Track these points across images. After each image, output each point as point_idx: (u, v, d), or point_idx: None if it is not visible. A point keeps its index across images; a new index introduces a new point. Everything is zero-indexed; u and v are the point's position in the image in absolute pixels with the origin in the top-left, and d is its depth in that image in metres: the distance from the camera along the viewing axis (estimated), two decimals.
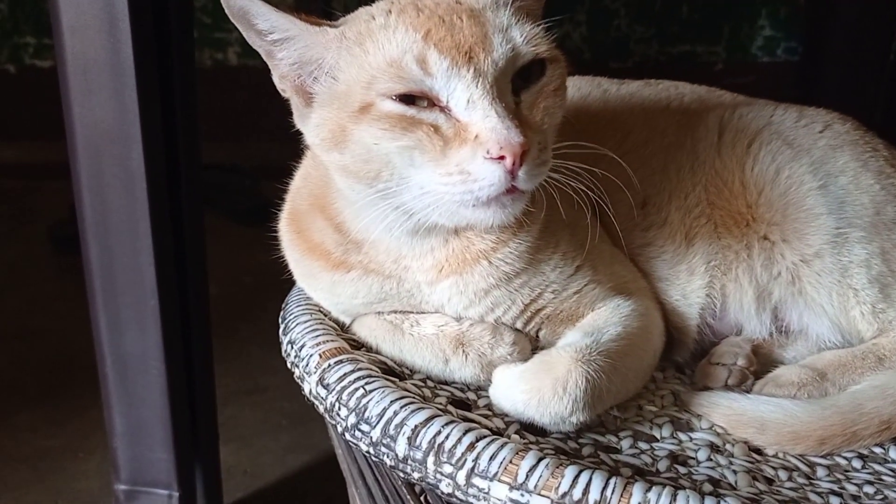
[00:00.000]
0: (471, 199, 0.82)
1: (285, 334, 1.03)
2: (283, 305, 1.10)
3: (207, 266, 1.51)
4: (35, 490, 1.86)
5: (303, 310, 1.05)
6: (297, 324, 1.03)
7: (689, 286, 1.05)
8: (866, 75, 3.38)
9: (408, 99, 0.83)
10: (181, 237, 1.39)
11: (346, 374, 0.92)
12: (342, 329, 1.04)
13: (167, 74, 1.31)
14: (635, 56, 3.97)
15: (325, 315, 1.05)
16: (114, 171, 1.28)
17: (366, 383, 0.90)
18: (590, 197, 0.90)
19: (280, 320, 1.08)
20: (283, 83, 0.91)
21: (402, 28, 0.84)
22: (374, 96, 0.83)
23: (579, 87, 1.19)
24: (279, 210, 1.08)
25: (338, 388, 0.91)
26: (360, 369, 0.92)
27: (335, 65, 0.87)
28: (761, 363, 1.04)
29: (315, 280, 1.01)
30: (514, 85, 0.86)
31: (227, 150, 3.38)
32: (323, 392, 0.92)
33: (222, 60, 3.86)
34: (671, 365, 1.08)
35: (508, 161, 0.80)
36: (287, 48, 0.88)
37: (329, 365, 0.94)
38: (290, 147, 1.04)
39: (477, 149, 0.80)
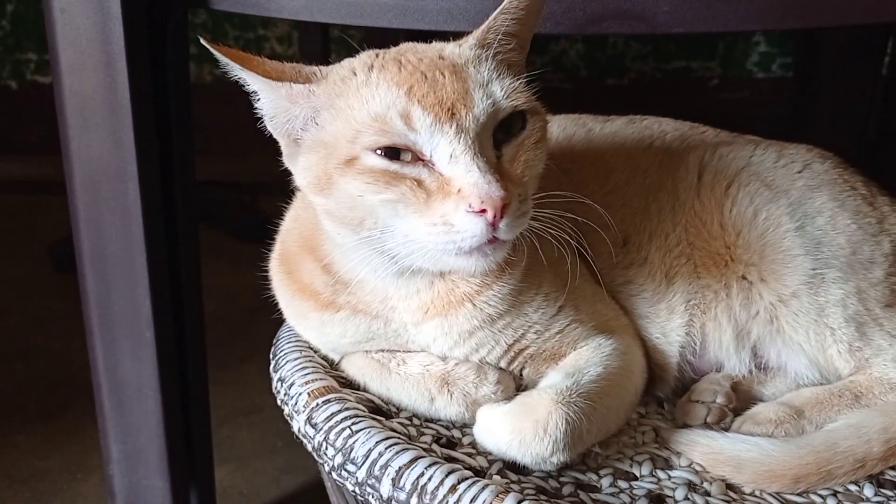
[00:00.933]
0: (454, 249, 0.85)
1: (276, 371, 1.06)
2: (275, 341, 1.13)
3: (203, 285, 1.54)
4: None
5: (293, 347, 1.08)
6: (287, 361, 1.05)
7: (668, 324, 1.08)
8: (859, 91, 3.40)
9: (392, 152, 0.85)
10: (176, 262, 1.42)
11: (333, 414, 0.95)
12: (331, 367, 1.07)
13: (163, 101, 1.34)
14: (631, 73, 3.99)
15: (315, 352, 1.08)
16: (110, 205, 1.30)
17: (352, 423, 0.93)
18: (570, 242, 0.93)
19: (271, 356, 1.10)
20: (269, 126, 0.93)
21: (384, 84, 0.87)
22: (358, 150, 0.85)
23: (564, 128, 1.22)
24: (278, 225, 1.10)
25: (325, 427, 0.93)
26: (347, 409, 0.95)
27: (314, 115, 0.90)
28: (741, 399, 1.06)
29: (305, 319, 1.04)
30: (496, 138, 0.89)
31: (226, 166, 3.39)
32: (311, 431, 0.95)
33: (221, 76, 3.87)
34: (653, 400, 1.11)
35: (490, 214, 0.82)
36: (261, 99, 0.91)
37: (317, 404, 0.97)
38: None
39: (460, 202, 0.83)
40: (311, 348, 1.09)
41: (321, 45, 2.98)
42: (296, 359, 1.05)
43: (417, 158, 0.85)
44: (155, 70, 1.32)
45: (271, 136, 0.94)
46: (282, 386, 1.03)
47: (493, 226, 0.83)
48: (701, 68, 3.97)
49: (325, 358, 1.08)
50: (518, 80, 0.92)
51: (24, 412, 2.22)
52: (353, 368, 1.04)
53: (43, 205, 3.35)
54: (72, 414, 2.18)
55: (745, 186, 1.09)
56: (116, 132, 1.27)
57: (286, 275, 1.04)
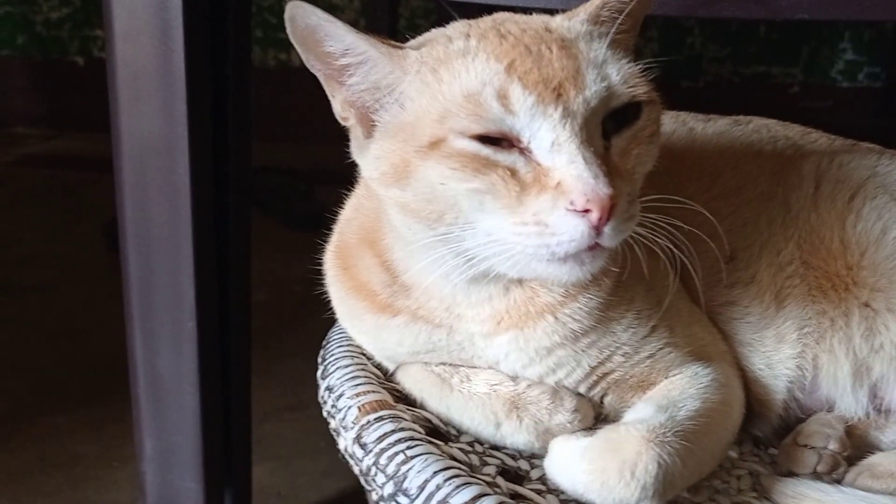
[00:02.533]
0: (545, 254, 0.73)
1: (323, 378, 0.95)
2: (324, 343, 1.02)
3: (251, 277, 1.44)
4: (67, 499, 1.81)
5: (344, 352, 0.97)
6: (337, 368, 0.94)
7: (776, 354, 0.94)
8: None
9: (485, 138, 0.73)
10: (226, 249, 1.32)
11: (386, 434, 0.83)
12: (386, 377, 0.95)
13: (221, 79, 1.24)
14: (707, 75, 3.83)
15: (369, 359, 0.97)
16: (158, 185, 1.21)
17: (407, 447, 0.81)
18: (671, 253, 0.80)
19: (319, 360, 0.99)
20: (346, 111, 0.82)
21: (482, 56, 0.75)
22: (446, 131, 0.74)
23: (663, 124, 1.08)
24: (334, 216, 1.00)
25: (376, 449, 0.82)
26: (402, 429, 0.83)
27: (405, 92, 0.78)
28: (855, 446, 0.91)
29: (359, 321, 0.93)
30: (605, 127, 0.76)
31: (283, 152, 3.33)
32: (360, 452, 0.83)
33: (286, 61, 3.82)
34: (749, 439, 0.97)
35: (594, 215, 0.70)
36: (360, 73, 0.79)
37: (368, 421, 0.85)
38: (347, 153, 0.96)
39: (559, 198, 0.71)
40: (365, 354, 0.97)
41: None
42: (347, 366, 0.94)
43: (513, 144, 0.74)
44: (215, 46, 1.22)
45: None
46: (329, 396, 0.91)
47: (597, 229, 0.71)
48: (782, 74, 3.80)
49: (378, 366, 0.96)
50: (636, 65, 0.79)
51: (66, 393, 2.16)
52: (410, 381, 0.92)
53: (103, 182, 3.30)
54: (114, 399, 2.09)
55: (871, 199, 0.95)
56: (169, 105, 1.17)
57: (341, 269, 0.93)
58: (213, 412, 1.33)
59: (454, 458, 0.81)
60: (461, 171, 0.73)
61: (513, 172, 0.73)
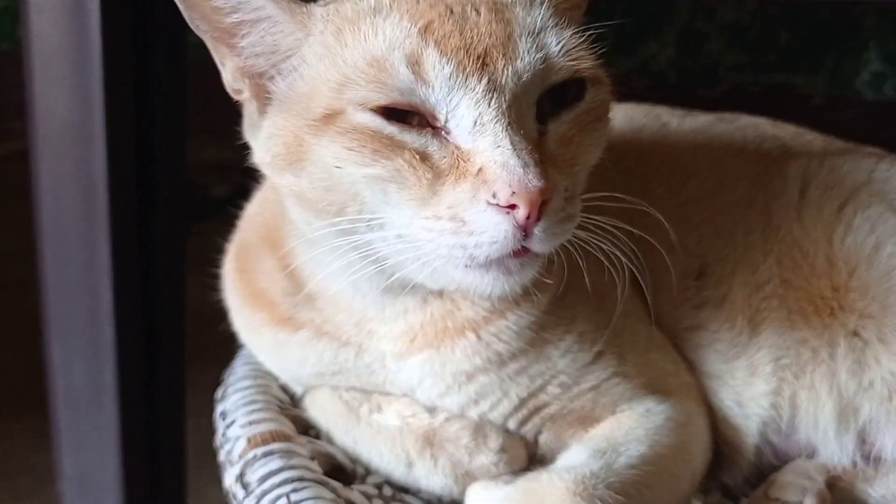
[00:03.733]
0: (462, 257, 0.60)
1: (220, 401, 0.82)
2: (233, 362, 0.88)
3: (186, 286, 1.31)
4: None
5: (248, 371, 0.84)
6: (236, 390, 0.81)
7: (747, 390, 0.80)
8: None
9: (393, 112, 0.61)
10: (154, 247, 1.19)
11: (272, 473, 0.70)
12: (292, 401, 0.82)
13: (148, 59, 1.12)
14: (725, 84, 3.69)
15: (276, 380, 0.83)
16: (74, 176, 1.08)
17: (293, 489, 0.68)
18: (620, 264, 0.66)
19: (223, 378, 0.86)
20: (239, 81, 0.69)
21: (394, 16, 0.63)
22: (344, 103, 0.61)
23: (632, 117, 0.95)
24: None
25: (258, 490, 0.69)
26: (292, 467, 0.70)
27: (304, 57, 0.65)
28: (837, 501, 0.77)
29: (256, 336, 0.80)
30: (541, 109, 0.64)
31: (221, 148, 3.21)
32: (241, 492, 0.70)
33: None
34: (716, 487, 0.83)
35: (522, 212, 0.58)
36: (255, 32, 0.66)
37: (255, 455, 0.72)
38: None
39: (479, 189, 0.58)
40: (272, 374, 0.84)
41: None
42: (246, 388, 0.81)
43: (427, 123, 0.61)
44: (141, 21, 1.10)
45: None
46: (222, 423, 0.79)
47: (525, 230, 0.58)
48: (803, 84, 3.64)
49: (286, 389, 0.83)
50: (581, 36, 0.66)
51: (26, 398, 2.04)
52: (316, 408, 0.79)
53: None
54: None
55: (864, 209, 0.81)
56: (84, 86, 1.05)
57: (239, 273, 0.81)
58: (134, 428, 1.20)
59: None
60: (359, 151, 0.60)
61: (423, 157, 0.60)
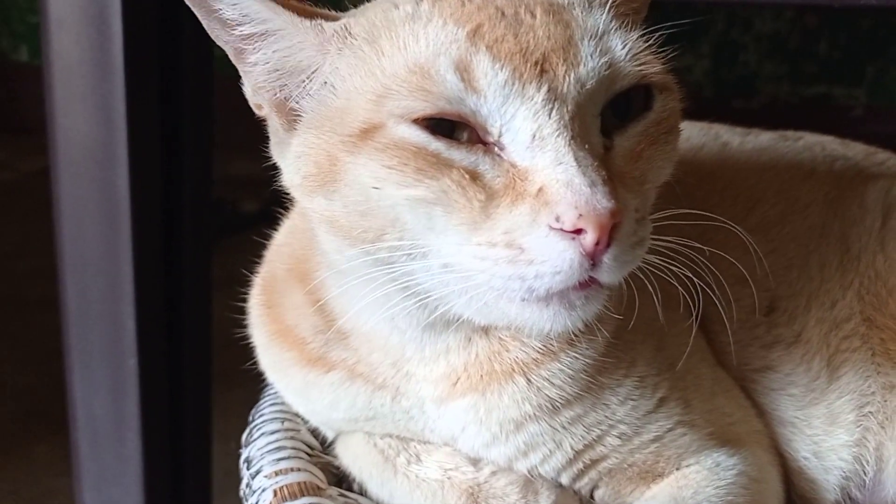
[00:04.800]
0: (520, 290, 0.54)
1: (246, 446, 0.76)
2: (259, 400, 0.82)
3: (213, 304, 1.26)
4: None
5: (275, 413, 0.78)
6: (262, 434, 0.75)
7: (826, 440, 0.73)
8: None
9: (439, 125, 0.55)
10: (180, 276, 1.15)
11: None
12: (323, 447, 0.76)
13: (174, 77, 1.08)
14: (762, 96, 3.61)
15: (305, 423, 0.77)
16: (95, 198, 1.05)
17: None
18: (693, 290, 0.60)
19: (249, 419, 0.80)
20: (258, 97, 0.63)
21: (437, 21, 0.57)
22: (384, 116, 0.55)
23: (689, 137, 0.88)
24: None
25: None
26: None
27: (334, 71, 0.60)
28: None
29: (284, 376, 0.74)
30: (605, 120, 0.58)
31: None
32: None
33: None
34: None
35: (590, 237, 0.52)
36: (264, 48, 0.61)
37: None
38: None
39: (540, 211, 0.53)
40: (301, 417, 0.78)
41: None
42: (273, 432, 0.75)
43: (478, 138, 0.55)
44: (166, 37, 1.06)
45: None
46: (247, 470, 0.72)
47: (593, 258, 0.53)
48: (843, 96, 3.55)
49: (316, 433, 0.77)
50: (647, 40, 0.60)
51: (49, 418, 2.02)
52: (349, 456, 0.73)
53: None
54: None
55: None
56: (106, 105, 1.02)
57: (266, 308, 0.74)
58: (158, 461, 1.17)
59: None
60: (400, 170, 0.54)
61: (474, 176, 0.54)
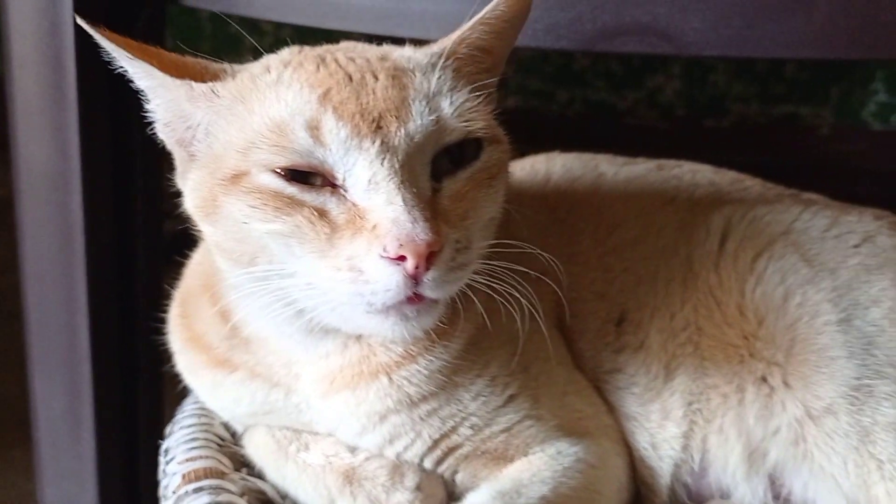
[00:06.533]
0: (361, 304, 0.65)
1: (166, 438, 0.87)
2: (183, 401, 0.94)
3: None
4: None
5: (195, 409, 0.89)
6: (180, 427, 0.86)
7: (661, 432, 0.83)
8: None
9: (296, 174, 0.66)
10: (133, 290, 1.25)
11: None
12: (234, 440, 0.87)
13: (125, 111, 1.18)
14: (732, 115, 3.69)
15: (219, 419, 0.88)
16: (53, 220, 1.15)
17: None
18: (517, 305, 0.71)
19: (172, 418, 0.92)
20: (163, 134, 0.75)
21: (295, 85, 0.68)
22: (249, 165, 0.67)
23: (570, 168, 0.99)
24: None
25: None
26: (218, 503, 0.75)
27: (213, 121, 0.71)
28: None
29: (196, 377, 0.85)
30: (438, 167, 0.69)
31: None
32: None
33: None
34: None
35: (410, 263, 0.62)
36: (155, 98, 0.72)
37: (186, 491, 0.77)
38: None
39: (373, 242, 0.63)
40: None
41: None
42: (189, 426, 0.86)
43: (329, 183, 0.66)
44: (118, 78, 1.16)
45: None
46: (164, 458, 0.83)
47: (415, 279, 0.63)
48: (810, 115, 3.63)
49: (228, 427, 0.88)
50: (477, 98, 0.71)
51: (24, 430, 2.10)
52: (252, 446, 0.84)
53: None
54: None
55: (777, 260, 0.84)
56: (61, 135, 1.12)
57: (181, 319, 0.86)
58: (112, 459, 1.26)
59: None
60: (261, 209, 0.65)
61: (322, 213, 0.65)
